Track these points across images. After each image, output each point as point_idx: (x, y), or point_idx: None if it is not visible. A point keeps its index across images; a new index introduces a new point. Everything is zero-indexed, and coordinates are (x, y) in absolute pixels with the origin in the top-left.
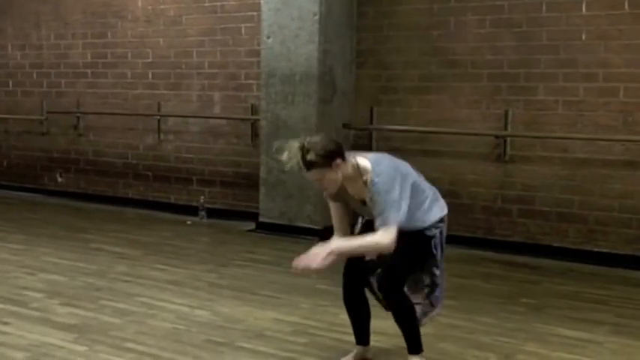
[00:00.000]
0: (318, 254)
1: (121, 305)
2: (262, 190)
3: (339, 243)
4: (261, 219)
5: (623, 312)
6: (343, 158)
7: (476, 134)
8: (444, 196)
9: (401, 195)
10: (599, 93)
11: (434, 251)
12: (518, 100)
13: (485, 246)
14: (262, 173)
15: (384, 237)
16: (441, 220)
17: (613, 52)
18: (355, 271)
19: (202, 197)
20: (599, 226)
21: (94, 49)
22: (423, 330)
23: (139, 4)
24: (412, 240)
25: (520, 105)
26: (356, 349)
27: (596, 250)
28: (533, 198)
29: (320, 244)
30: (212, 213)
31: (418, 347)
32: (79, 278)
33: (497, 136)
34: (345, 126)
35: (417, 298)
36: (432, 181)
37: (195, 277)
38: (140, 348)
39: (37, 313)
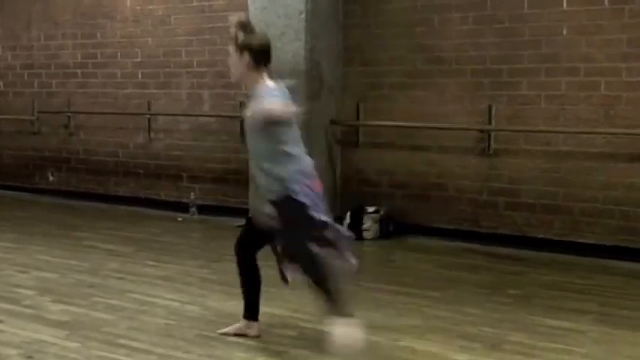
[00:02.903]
0: None
1: (113, 302)
2: (252, 186)
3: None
4: (251, 214)
5: (607, 301)
6: (256, 61)
7: (461, 129)
8: (431, 189)
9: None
10: (580, 87)
11: (312, 214)
12: (501, 95)
13: (471, 238)
14: (251, 169)
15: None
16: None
17: (594, 46)
18: (248, 242)
19: (193, 194)
20: (583, 217)
21: (84, 49)
22: (409, 321)
23: (128, 4)
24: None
25: (503, 100)
26: (244, 323)
27: (580, 240)
28: (518, 190)
29: None
30: (202, 209)
31: (341, 311)
32: (71, 275)
33: (481, 131)
34: (333, 122)
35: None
36: (420, 174)
37: (187, 272)
38: (132, 344)
39: (29, 311)
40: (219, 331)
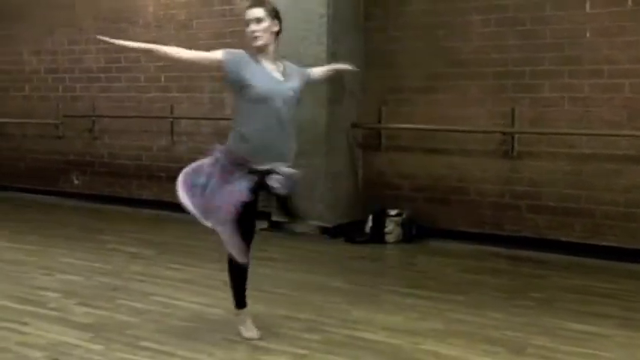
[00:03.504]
0: None
1: (136, 304)
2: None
3: None
4: (274, 218)
5: (630, 305)
6: (279, 31)
7: (483, 132)
8: (452, 193)
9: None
10: (603, 89)
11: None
12: (524, 97)
13: (494, 241)
14: None
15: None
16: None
17: (617, 48)
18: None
19: None
20: (606, 220)
21: (108, 54)
22: (431, 325)
23: (150, 9)
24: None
25: (526, 102)
26: (243, 313)
27: (602, 244)
28: (540, 193)
29: None
30: None
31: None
32: (94, 278)
33: (504, 133)
34: (354, 125)
35: None
36: (441, 177)
37: (209, 275)
38: (156, 346)
39: (54, 313)
40: (244, 335)
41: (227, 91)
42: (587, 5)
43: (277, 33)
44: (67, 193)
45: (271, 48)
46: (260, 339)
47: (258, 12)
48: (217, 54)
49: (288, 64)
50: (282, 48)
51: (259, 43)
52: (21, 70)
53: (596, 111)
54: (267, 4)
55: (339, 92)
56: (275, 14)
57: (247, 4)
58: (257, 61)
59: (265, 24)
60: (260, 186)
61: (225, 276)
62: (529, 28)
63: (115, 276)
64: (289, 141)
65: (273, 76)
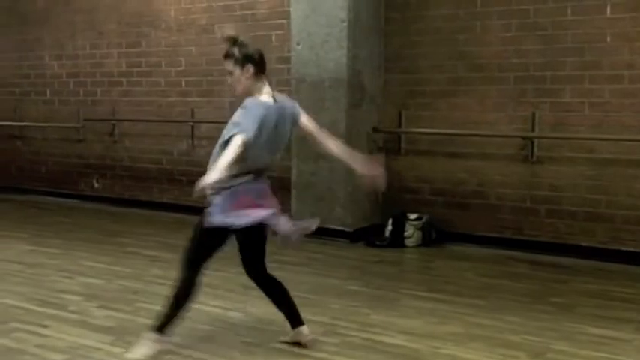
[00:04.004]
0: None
1: (156, 307)
2: (293, 192)
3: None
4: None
5: None
6: (258, 71)
7: (503, 136)
8: (472, 197)
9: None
10: (624, 94)
11: None
12: (544, 102)
13: (514, 246)
14: (293, 176)
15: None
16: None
17: (637, 53)
18: (250, 260)
19: None
20: (626, 225)
21: (129, 58)
22: (450, 329)
23: (172, 13)
24: None
25: (546, 107)
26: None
27: (623, 249)
28: (560, 198)
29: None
30: None
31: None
32: (115, 281)
33: (524, 138)
34: (375, 130)
35: None
36: (461, 182)
37: (229, 279)
38: (176, 349)
39: (75, 316)
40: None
41: None
42: (608, 10)
43: (256, 73)
44: (88, 196)
45: (255, 89)
46: (279, 342)
47: (227, 64)
48: (238, 141)
49: (281, 97)
50: (304, 52)
51: (237, 93)
52: (42, 74)
53: (617, 116)
54: (233, 53)
55: (360, 96)
56: (244, 60)
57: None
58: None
59: (235, 74)
60: None
61: (245, 279)
62: (550, 33)
63: (135, 279)
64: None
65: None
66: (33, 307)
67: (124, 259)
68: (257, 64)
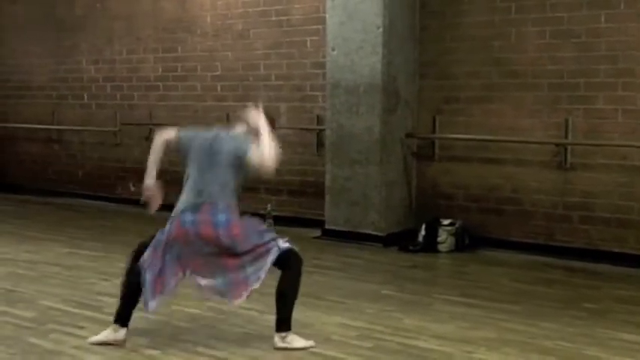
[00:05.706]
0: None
1: (191, 310)
2: (328, 197)
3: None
4: (327, 226)
5: None
6: None
7: (537, 142)
8: (506, 203)
9: None
10: None
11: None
12: (578, 108)
13: (547, 252)
14: (327, 181)
15: None
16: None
17: None
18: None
19: (269, 205)
20: None
21: (165, 63)
22: (483, 334)
23: (208, 19)
24: None
25: (580, 114)
26: (114, 328)
27: None
28: (593, 205)
29: None
30: (279, 220)
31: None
32: None
33: (557, 144)
34: (409, 135)
35: None
36: (495, 188)
37: (263, 283)
38: (211, 352)
39: (111, 318)
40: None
41: (282, 101)
42: None
43: None
44: (124, 199)
45: None
46: (313, 345)
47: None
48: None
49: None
50: (339, 58)
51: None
52: (79, 79)
53: None
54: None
55: (394, 102)
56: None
57: None
58: None
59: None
60: None
61: None
62: (584, 40)
63: None
64: None
65: None
66: (70, 309)
67: None
68: None
